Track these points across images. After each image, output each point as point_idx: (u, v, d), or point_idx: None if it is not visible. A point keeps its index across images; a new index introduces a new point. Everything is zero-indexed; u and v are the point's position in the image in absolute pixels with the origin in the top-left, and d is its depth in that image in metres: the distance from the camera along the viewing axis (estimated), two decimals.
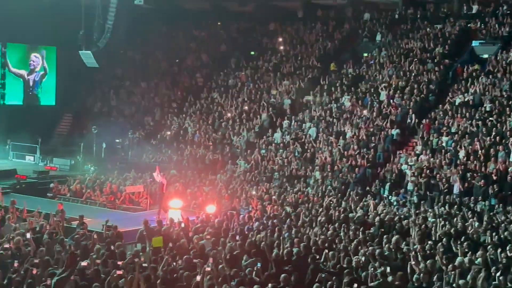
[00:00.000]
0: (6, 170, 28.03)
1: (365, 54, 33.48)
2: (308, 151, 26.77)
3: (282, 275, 11.60)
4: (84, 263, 12.13)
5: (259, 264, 12.25)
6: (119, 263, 12.35)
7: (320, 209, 19.27)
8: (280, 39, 37.06)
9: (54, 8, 31.29)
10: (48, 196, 23.98)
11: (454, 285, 11.33)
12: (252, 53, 37.27)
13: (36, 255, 12.97)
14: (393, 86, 29.25)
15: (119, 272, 11.40)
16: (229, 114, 31.98)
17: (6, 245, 13.32)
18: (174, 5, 39.10)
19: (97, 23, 29.44)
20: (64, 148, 33.43)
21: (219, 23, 40.94)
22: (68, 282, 10.97)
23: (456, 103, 26.70)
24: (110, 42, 30.87)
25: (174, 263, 12.59)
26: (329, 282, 11.29)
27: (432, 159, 23.71)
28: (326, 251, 13.58)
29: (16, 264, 12.00)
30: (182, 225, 16.74)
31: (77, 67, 33.08)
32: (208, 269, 11.36)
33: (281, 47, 36.48)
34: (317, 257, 13.13)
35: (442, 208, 19.58)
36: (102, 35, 29.83)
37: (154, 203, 22.50)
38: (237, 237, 15.17)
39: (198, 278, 11.18)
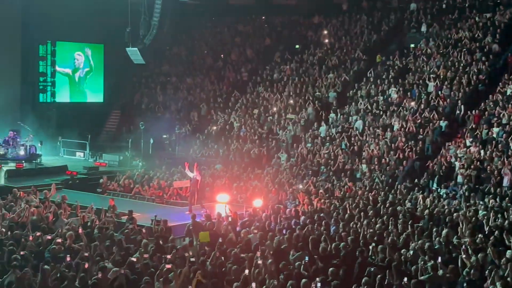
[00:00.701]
0: (58, 166, 28.67)
1: (412, 45, 32.98)
2: (355, 144, 26.57)
3: (330, 269, 11.55)
4: (133, 258, 12.34)
5: (306, 258, 12.23)
6: (168, 257, 12.51)
7: (368, 203, 19.10)
8: (325, 32, 36.80)
9: (101, 6, 31.77)
10: (98, 191, 24.43)
11: (508, 279, 11.08)
12: (297, 46, 37.13)
13: (87, 249, 13.23)
14: (441, 77, 28.76)
15: (168, 266, 11.54)
16: (274, 108, 31.96)
17: (59, 240, 13.62)
18: (219, 0, 39.24)
19: (143, 20, 29.74)
20: (112, 144, 33.96)
21: (263, 17, 40.91)
22: (119, 276, 11.17)
23: (507, 93, 26.08)
24: (156, 39, 31.17)
25: (223, 257, 12.66)
26: (378, 276, 11.18)
27: (482, 151, 23.24)
28: (374, 245, 13.45)
29: (68, 259, 12.26)
30: (229, 219, 16.84)
31: (124, 64, 33.52)
32: (260, 262, 11.41)
33: (326, 40, 36.22)
34: (365, 251, 13.03)
35: (493, 200, 19.16)
36: (148, 32, 30.14)
37: (200, 198, 22.68)
38: (284, 231, 15.16)
39: (247, 272, 11.23)
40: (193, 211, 19.98)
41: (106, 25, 32.63)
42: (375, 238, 14.26)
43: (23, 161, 28.35)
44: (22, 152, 28.85)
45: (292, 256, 12.80)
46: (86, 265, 11.66)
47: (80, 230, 14.65)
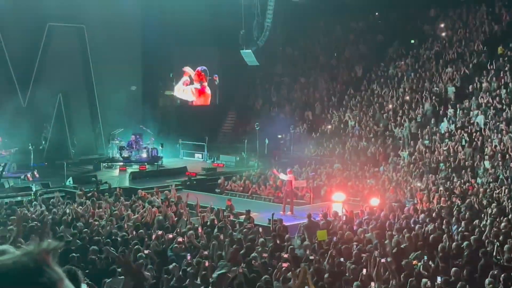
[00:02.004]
0: (178, 167, 29.64)
1: None
2: (476, 140, 25.53)
3: (453, 269, 11.19)
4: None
5: (425, 257, 11.93)
6: (285, 255, 12.59)
7: (491, 200, 18.30)
8: (442, 25, 35.63)
9: (215, 10, 32.57)
10: (216, 191, 25.04)
11: None
12: (412, 41, 36.21)
13: (207, 248, 13.58)
14: None
15: (285, 264, 11.61)
16: (390, 105, 31.37)
17: (180, 239, 14.07)
18: None
19: (256, 22, 30.11)
20: (229, 145, 34.67)
21: (376, 13, 40.26)
22: (238, 274, 11.37)
23: None
24: (269, 40, 31.47)
25: (340, 257, 12.58)
26: (503, 275, 10.68)
27: None
28: (499, 244, 12.86)
29: (189, 257, 12.64)
30: (344, 218, 16.75)
31: (238, 66, 34.14)
32: (383, 260, 11.27)
33: (443, 33, 35.06)
34: (489, 251, 12.50)
35: None
36: (261, 33, 30.47)
37: (316, 198, 22.72)
38: (403, 230, 14.84)
39: (365, 271, 11.10)
40: (285, 211, 20.26)
41: (220, 28, 33.36)
42: (500, 238, 13.64)
43: (146, 163, 29.58)
44: (144, 155, 30.11)
45: (412, 255, 12.51)
46: (207, 264, 11.97)
47: (200, 230, 15.06)
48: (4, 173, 24.68)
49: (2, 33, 29.29)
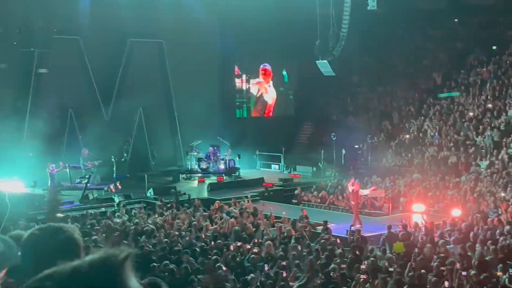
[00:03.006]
0: (255, 178, 29.82)
1: None
2: None
3: None
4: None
5: (510, 270, 11.51)
6: (363, 267, 12.45)
7: None
8: None
9: (290, 22, 32.70)
10: (293, 202, 25.03)
11: None
12: (494, 47, 35.11)
13: (285, 258, 13.58)
14: None
15: (364, 276, 11.48)
16: (471, 114, 30.51)
17: (255, 250, 14.15)
18: (408, 7, 38.37)
19: (331, 32, 29.99)
20: (305, 155, 34.58)
21: (456, 20, 39.32)
22: (316, 285, 11.32)
23: None
24: (345, 49, 31.26)
25: (420, 269, 12.31)
26: None
27: None
28: None
29: (266, 268, 12.68)
30: (423, 229, 16.41)
31: (314, 76, 34.11)
32: (465, 273, 10.99)
33: None
34: None
35: None
36: (337, 43, 30.31)
37: (395, 208, 22.35)
38: (487, 242, 14.38)
39: (447, 284, 10.83)
40: (355, 225, 19.81)
41: (296, 39, 33.44)
42: None
43: (223, 175, 29.92)
44: (222, 166, 30.46)
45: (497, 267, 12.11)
46: (284, 274, 11.98)
47: (270, 243, 15.08)
48: (88, 185, 25.54)
49: (86, 50, 30.41)
